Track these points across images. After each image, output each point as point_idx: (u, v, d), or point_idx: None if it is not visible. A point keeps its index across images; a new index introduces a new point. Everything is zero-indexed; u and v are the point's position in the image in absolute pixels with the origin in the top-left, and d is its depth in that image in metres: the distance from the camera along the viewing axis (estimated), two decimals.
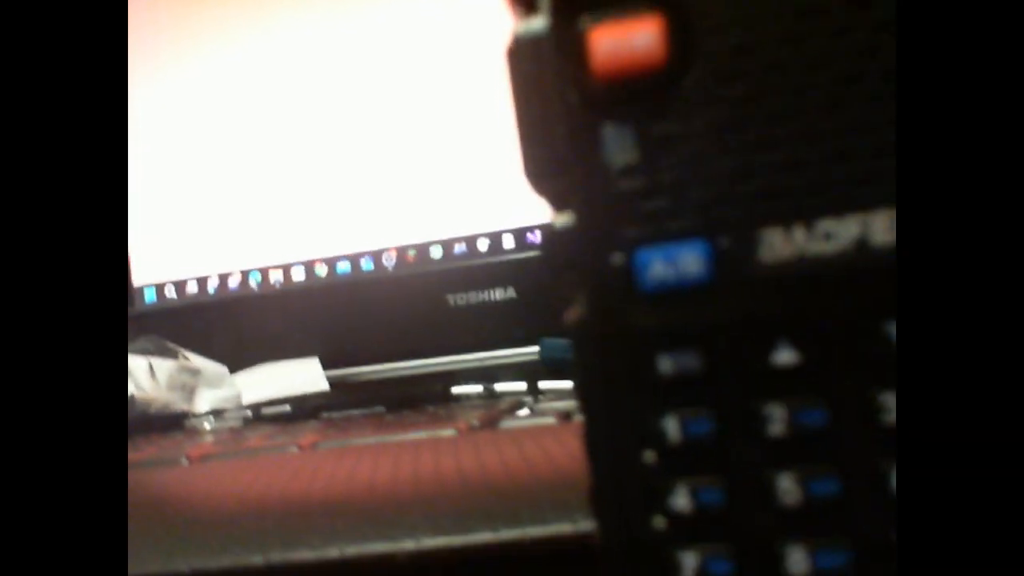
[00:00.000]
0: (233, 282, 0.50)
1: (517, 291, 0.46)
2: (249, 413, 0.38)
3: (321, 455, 0.23)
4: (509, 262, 0.46)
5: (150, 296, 0.52)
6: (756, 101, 0.11)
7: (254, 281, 0.50)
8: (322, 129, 0.49)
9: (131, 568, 0.14)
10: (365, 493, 0.18)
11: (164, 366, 0.42)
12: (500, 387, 0.39)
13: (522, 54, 0.12)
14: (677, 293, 0.11)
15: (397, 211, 0.48)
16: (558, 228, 0.12)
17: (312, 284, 0.49)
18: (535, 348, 0.44)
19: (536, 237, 0.46)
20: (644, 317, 0.11)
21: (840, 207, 0.11)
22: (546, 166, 0.12)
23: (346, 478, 0.19)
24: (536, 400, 0.33)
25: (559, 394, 0.34)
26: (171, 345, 0.45)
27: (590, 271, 0.12)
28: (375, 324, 0.48)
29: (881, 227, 0.11)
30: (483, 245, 0.47)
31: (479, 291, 0.47)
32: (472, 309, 0.46)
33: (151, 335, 0.46)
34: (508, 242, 0.47)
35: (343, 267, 0.49)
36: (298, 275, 0.50)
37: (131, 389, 0.40)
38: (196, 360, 0.44)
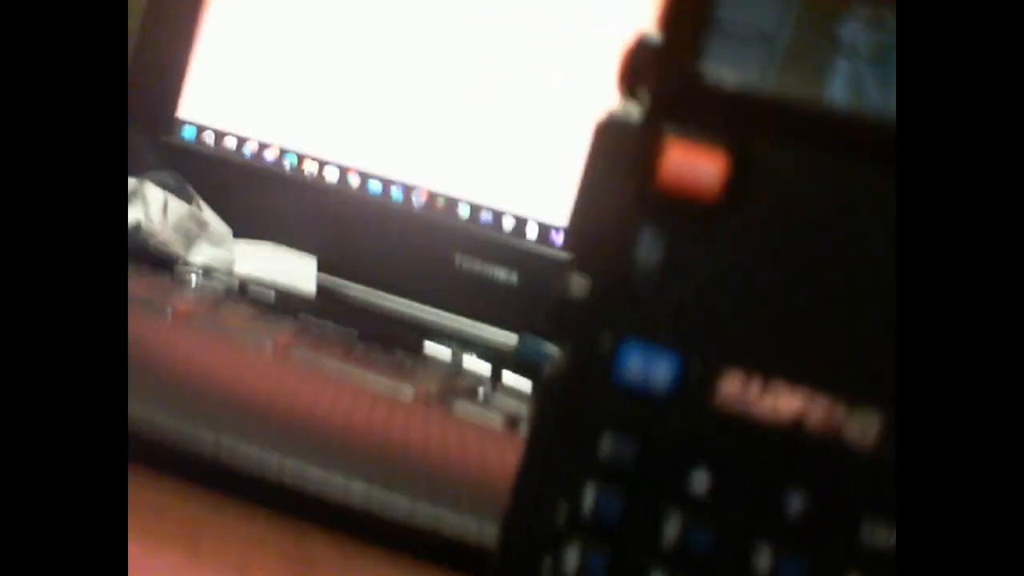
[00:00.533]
0: (270, 155, 0.52)
1: (519, 278, 0.47)
2: (235, 284, 0.40)
3: (292, 366, 0.25)
4: (523, 249, 0.47)
5: (189, 133, 0.53)
6: (774, 262, 0.12)
7: (288, 162, 0.52)
8: (409, 52, 0.50)
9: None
10: (320, 424, 0.19)
11: (176, 206, 0.43)
12: (467, 362, 0.40)
13: (608, 134, 0.13)
14: (641, 391, 0.13)
15: (445, 157, 0.49)
16: (571, 287, 0.13)
17: (340, 189, 0.50)
18: (514, 337, 0.46)
19: (557, 238, 0.48)
20: (608, 398, 0.13)
21: (796, 381, 0.12)
22: (586, 232, 0.14)
23: (308, 402, 0.20)
24: (493, 389, 0.35)
25: (515, 394, 0.36)
26: (190, 188, 0.46)
27: (582, 340, 0.13)
28: (380, 250, 0.49)
29: (819, 414, 0.12)
30: (508, 223, 0.49)
31: (486, 263, 0.48)
32: (473, 277, 0.48)
33: (175, 172, 0.48)
34: (531, 231, 0.48)
35: (374, 186, 0.50)
36: (331, 175, 0.51)
37: (140, 215, 0.41)
38: (207, 212, 0.46)
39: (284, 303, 0.39)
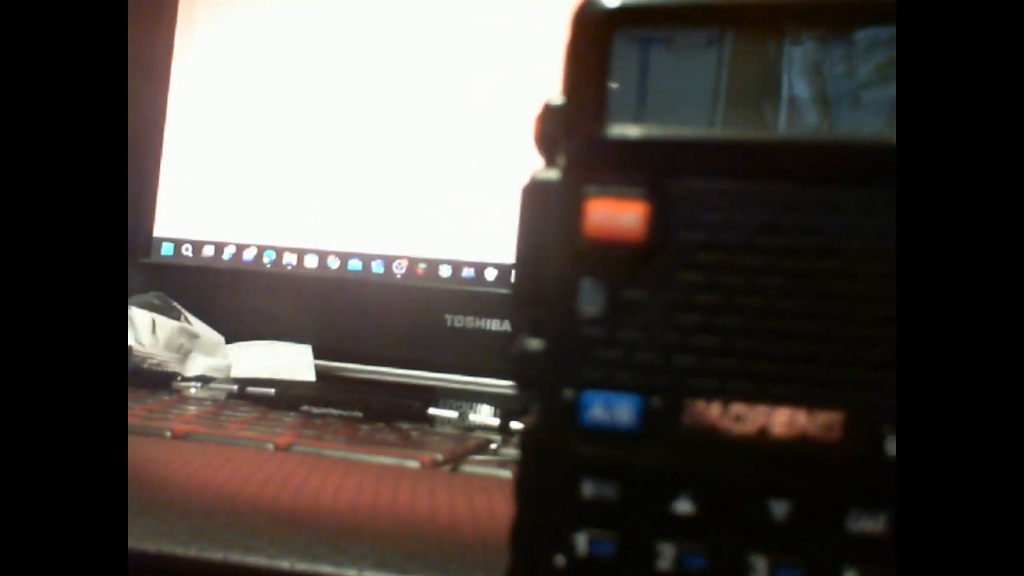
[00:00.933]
0: (248, 255, 0.53)
1: (513, 326, 0.48)
2: (234, 388, 0.41)
3: (294, 460, 0.25)
4: (511, 297, 0.48)
5: (167, 249, 0.54)
6: (707, 291, 0.13)
7: (268, 258, 0.53)
8: (361, 129, 0.51)
9: None
10: (327, 512, 0.20)
11: (166, 324, 0.44)
12: (474, 417, 0.41)
13: (533, 195, 0.14)
14: (610, 433, 0.13)
15: (417, 223, 0.50)
16: (528, 351, 0.14)
17: (322, 274, 0.51)
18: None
19: None
20: (580, 445, 0.13)
21: (753, 397, 0.13)
22: (530, 294, 0.14)
23: (313, 492, 0.21)
24: (504, 441, 0.35)
25: None
26: (176, 305, 0.47)
27: (545, 396, 0.14)
28: (372, 326, 0.50)
29: (782, 421, 0.13)
30: (491, 274, 0.50)
31: (477, 317, 0.49)
32: (467, 334, 0.48)
33: (159, 291, 0.49)
34: (514, 276, 0.49)
35: (354, 264, 0.51)
36: (310, 262, 0.52)
37: (131, 340, 0.42)
38: (196, 324, 0.46)
39: (285, 397, 0.39)
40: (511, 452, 0.33)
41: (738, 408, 0.13)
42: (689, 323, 0.13)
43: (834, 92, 0.14)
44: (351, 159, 0.51)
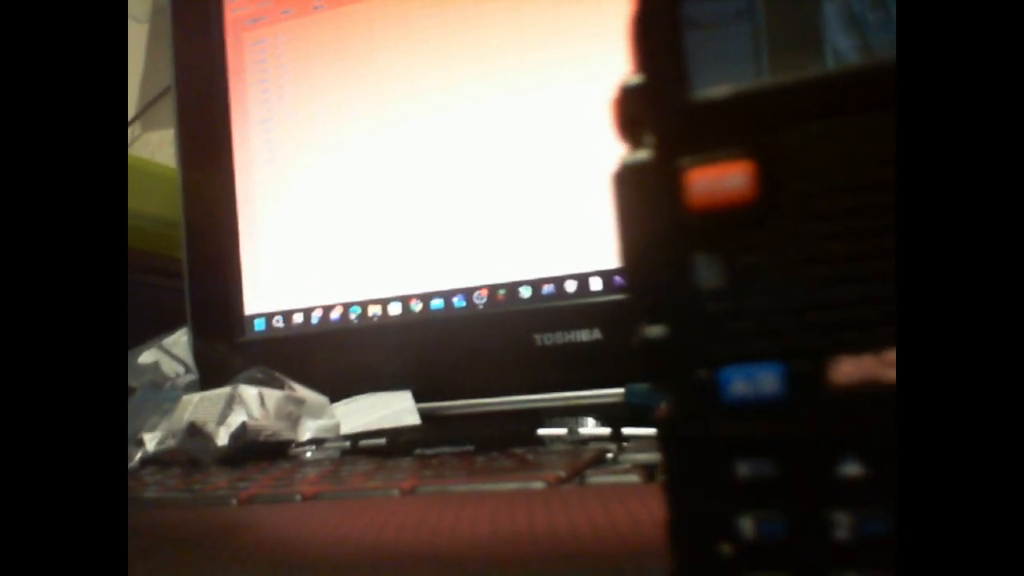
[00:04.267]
0: (335, 314, 0.54)
1: (602, 332, 0.47)
2: (347, 444, 0.41)
3: (422, 502, 0.25)
4: (596, 304, 0.48)
5: (259, 325, 0.56)
6: (832, 240, 0.12)
7: (354, 314, 0.54)
8: (422, 176, 0.52)
9: None
10: (467, 546, 0.19)
11: (273, 395, 0.45)
12: (584, 431, 0.40)
13: (627, 181, 0.14)
14: (755, 407, 0.13)
15: (489, 252, 0.50)
16: (651, 339, 0.14)
17: (407, 319, 0.52)
18: (620, 390, 0.45)
19: (621, 279, 0.48)
20: (725, 426, 0.13)
21: (891, 337, 0.12)
22: (644, 283, 0.14)
23: (448, 529, 0.21)
24: (620, 449, 0.35)
25: (642, 443, 0.35)
26: (278, 375, 0.48)
27: (678, 382, 0.13)
28: (465, 360, 0.50)
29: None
30: (571, 286, 0.49)
31: (565, 331, 0.48)
32: (558, 349, 0.48)
33: (261, 365, 0.50)
34: (595, 284, 0.48)
35: (437, 303, 0.52)
36: (395, 310, 0.53)
37: (243, 417, 0.43)
38: (300, 390, 0.48)
39: (397, 445, 0.40)
40: (630, 458, 0.32)
41: (891, 355, 0.12)
42: (821, 275, 0.12)
43: (876, 41, 0.13)
44: (415, 201, 0.52)
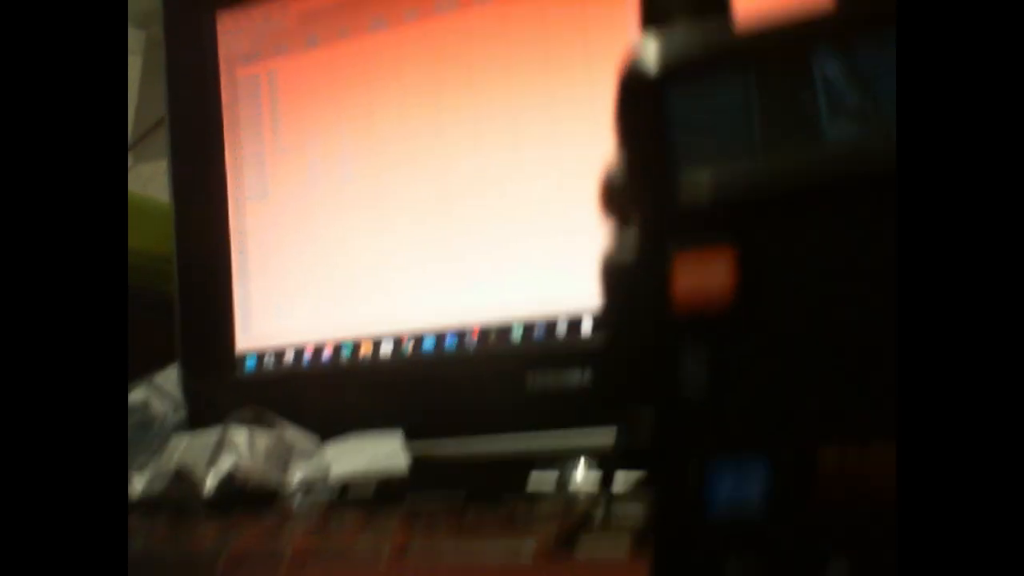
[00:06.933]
0: (326, 352, 0.54)
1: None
2: (335, 492, 0.41)
3: (412, 565, 0.25)
4: (586, 344, 0.48)
5: (251, 362, 0.56)
6: (815, 332, 0.12)
7: (345, 352, 0.54)
8: (414, 214, 0.52)
9: None
10: None
11: (263, 437, 0.45)
12: (574, 478, 0.40)
13: (614, 266, 0.14)
14: (744, 502, 0.13)
15: (481, 292, 0.50)
16: (635, 428, 0.14)
17: (398, 357, 0.52)
18: (611, 429, 0.45)
19: None
20: (715, 521, 0.13)
21: (880, 434, 0.12)
22: (628, 371, 0.14)
23: None
24: (610, 506, 0.35)
25: (633, 497, 0.35)
26: (268, 416, 0.48)
27: (665, 476, 0.13)
28: (456, 400, 0.50)
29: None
30: (562, 327, 0.49)
31: (557, 373, 0.48)
32: (550, 390, 0.48)
33: (252, 403, 0.50)
34: (587, 323, 0.48)
35: (428, 342, 0.52)
36: (386, 348, 0.52)
37: (233, 461, 0.43)
38: (290, 432, 0.47)
39: (386, 490, 0.39)
40: (622, 513, 0.32)
41: (879, 449, 0.12)
42: (800, 370, 0.12)
43: (877, 92, 0.13)
44: (406, 248, 0.52)
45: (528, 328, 0.49)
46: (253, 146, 0.56)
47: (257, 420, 0.47)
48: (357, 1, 0.54)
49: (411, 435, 0.49)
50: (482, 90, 0.51)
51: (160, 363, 0.57)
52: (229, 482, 0.42)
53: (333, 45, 0.55)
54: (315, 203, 0.54)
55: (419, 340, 0.52)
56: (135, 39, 0.81)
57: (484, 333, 0.50)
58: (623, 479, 0.41)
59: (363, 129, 0.53)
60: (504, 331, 0.50)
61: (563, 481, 0.40)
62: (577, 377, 0.48)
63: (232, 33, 0.57)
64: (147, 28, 0.79)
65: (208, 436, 0.44)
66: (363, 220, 0.53)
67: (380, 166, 0.53)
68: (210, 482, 0.42)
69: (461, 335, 0.51)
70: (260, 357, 0.55)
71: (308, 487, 0.43)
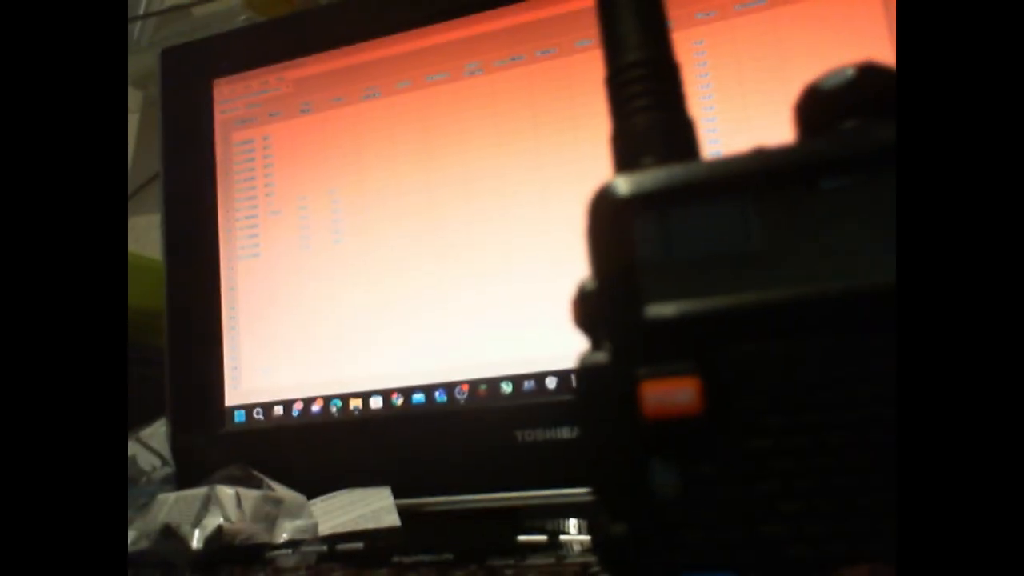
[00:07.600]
0: (316, 407, 0.54)
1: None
2: (324, 547, 0.41)
3: None
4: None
5: (239, 417, 0.56)
6: (778, 455, 0.13)
7: (334, 407, 0.54)
8: (405, 273, 0.53)
9: None
10: None
11: (250, 496, 0.45)
12: (564, 537, 0.40)
13: (587, 379, 0.15)
14: None
15: (471, 347, 0.51)
16: (612, 537, 0.14)
17: (388, 413, 0.52)
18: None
19: None
20: None
21: (854, 558, 0.13)
22: (605, 483, 0.14)
23: None
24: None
25: None
26: (256, 473, 0.48)
27: None
28: (445, 455, 0.50)
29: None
30: (551, 382, 0.50)
31: (545, 429, 0.48)
32: (539, 446, 0.48)
33: (240, 458, 0.50)
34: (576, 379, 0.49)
35: (418, 397, 0.52)
36: (376, 403, 0.53)
37: (219, 519, 0.43)
38: (279, 489, 0.47)
39: (375, 550, 0.39)
40: None
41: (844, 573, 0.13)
42: (769, 491, 0.13)
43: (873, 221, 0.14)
44: (393, 299, 0.53)
45: (518, 382, 0.50)
46: (245, 207, 0.57)
47: (244, 479, 0.47)
48: (351, 71, 0.55)
49: (401, 491, 0.48)
50: (471, 154, 0.52)
51: (147, 418, 0.57)
52: (216, 540, 0.42)
53: (325, 111, 0.56)
54: (306, 262, 0.55)
55: (409, 395, 0.52)
56: (133, 98, 0.82)
57: (474, 387, 0.51)
58: None
59: (354, 191, 0.54)
60: (494, 385, 0.50)
61: (554, 539, 0.40)
62: (567, 432, 0.48)
63: (228, 100, 0.58)
64: (144, 88, 0.81)
65: (194, 495, 0.44)
66: (353, 278, 0.54)
67: (370, 226, 0.54)
68: (197, 540, 0.42)
69: (451, 389, 0.51)
70: (249, 411, 0.55)
71: (296, 544, 0.43)
